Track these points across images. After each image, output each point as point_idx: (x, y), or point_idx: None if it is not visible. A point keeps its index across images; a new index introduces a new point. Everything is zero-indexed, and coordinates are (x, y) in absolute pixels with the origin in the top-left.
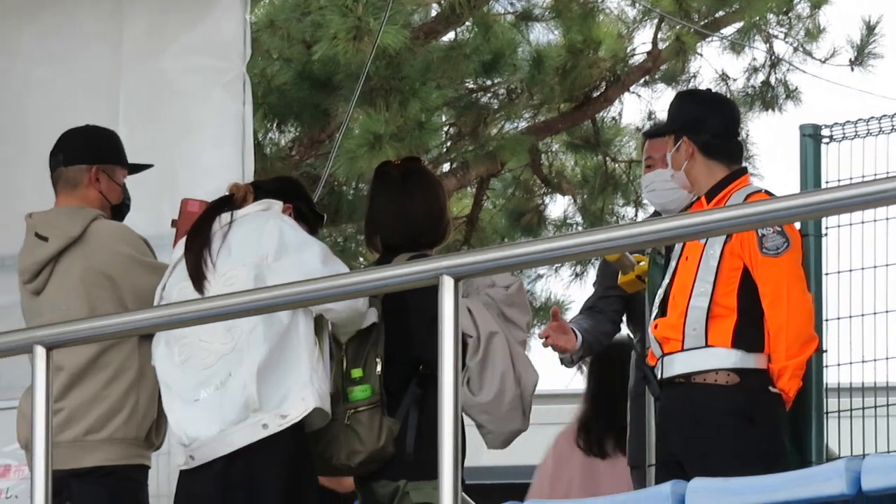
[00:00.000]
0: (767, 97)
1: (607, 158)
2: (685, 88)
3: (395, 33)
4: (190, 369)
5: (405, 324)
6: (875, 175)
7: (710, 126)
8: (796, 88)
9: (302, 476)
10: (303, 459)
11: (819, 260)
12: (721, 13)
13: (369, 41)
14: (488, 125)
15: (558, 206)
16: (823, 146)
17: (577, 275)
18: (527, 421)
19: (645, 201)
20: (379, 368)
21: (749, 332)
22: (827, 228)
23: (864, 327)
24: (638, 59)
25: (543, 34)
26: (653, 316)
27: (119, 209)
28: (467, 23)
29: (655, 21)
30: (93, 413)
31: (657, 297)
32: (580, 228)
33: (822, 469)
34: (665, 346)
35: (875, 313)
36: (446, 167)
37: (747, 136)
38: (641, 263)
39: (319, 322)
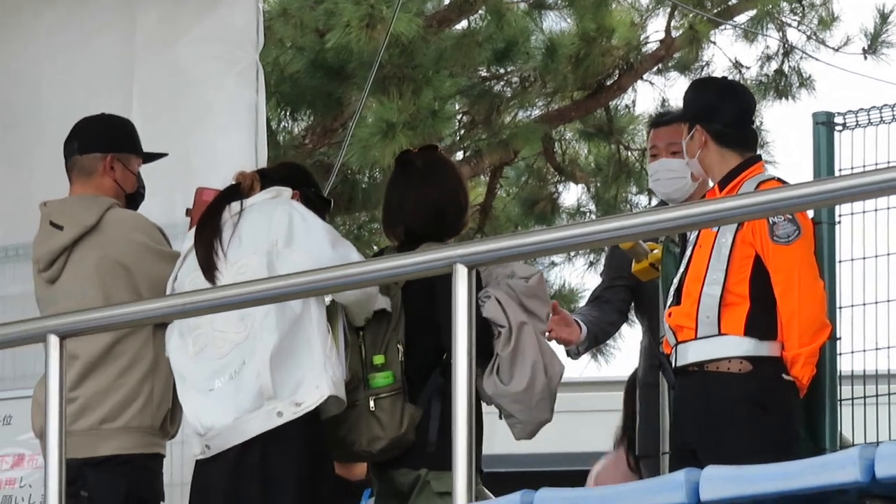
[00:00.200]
0: (781, 85)
1: (620, 146)
2: (699, 77)
3: (408, 21)
4: (204, 359)
5: (431, 312)
6: (888, 163)
7: (723, 114)
8: (810, 76)
9: (316, 464)
10: (317, 447)
11: (832, 248)
12: (734, 1)
13: (382, 29)
14: (501, 113)
15: (572, 195)
16: (836, 134)
17: (591, 263)
18: (553, 412)
19: None
20: (401, 355)
21: (762, 320)
22: (840, 216)
23: (877, 315)
24: (651, 47)
25: (556, 22)
26: (667, 304)
27: (133, 198)
28: (480, 11)
29: (668, 9)
30: (108, 402)
31: (672, 285)
32: (594, 216)
33: (835, 457)
34: (679, 335)
35: (889, 301)
36: (459, 155)
37: (761, 124)
38: (655, 251)
39: (333, 308)
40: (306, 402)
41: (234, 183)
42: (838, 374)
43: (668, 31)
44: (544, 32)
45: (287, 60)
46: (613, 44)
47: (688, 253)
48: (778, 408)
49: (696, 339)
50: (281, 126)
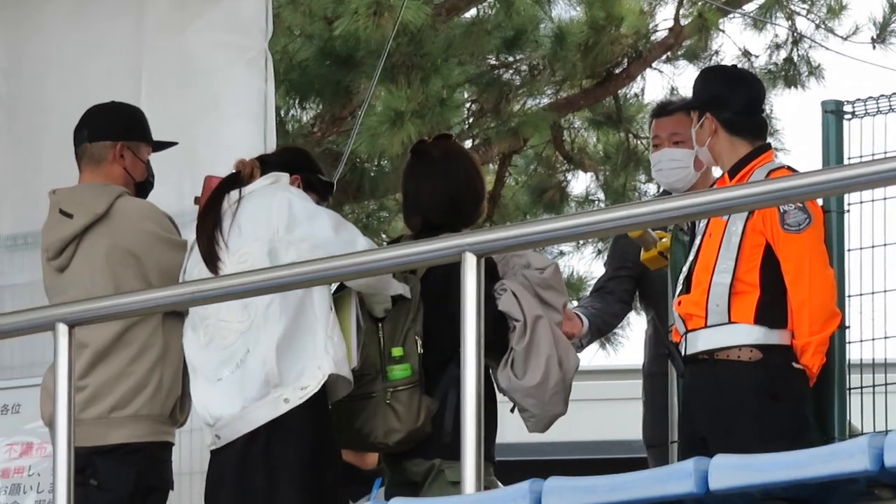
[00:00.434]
0: (790, 74)
1: (629, 135)
2: (708, 65)
3: (417, 9)
4: (213, 349)
5: (447, 305)
6: None
7: (733, 102)
8: (818, 65)
9: (321, 450)
10: (322, 433)
11: (841, 236)
12: None
13: (390, 17)
14: (510, 102)
15: (580, 183)
16: (845, 122)
17: (599, 252)
18: (567, 405)
19: None
20: (419, 348)
21: (772, 309)
22: (849, 204)
23: (886, 303)
24: (660, 35)
25: (565, 10)
26: (677, 293)
27: (143, 186)
28: None
29: None
30: (118, 390)
31: (681, 273)
32: (602, 205)
33: (844, 445)
34: (689, 323)
35: None
36: (468, 144)
37: (770, 112)
38: (664, 240)
39: (347, 295)
40: (311, 385)
41: (233, 171)
42: (847, 362)
43: (676, 19)
44: (553, 21)
45: (296, 48)
46: (622, 32)
47: (697, 241)
48: (788, 396)
49: (705, 327)
50: (290, 114)
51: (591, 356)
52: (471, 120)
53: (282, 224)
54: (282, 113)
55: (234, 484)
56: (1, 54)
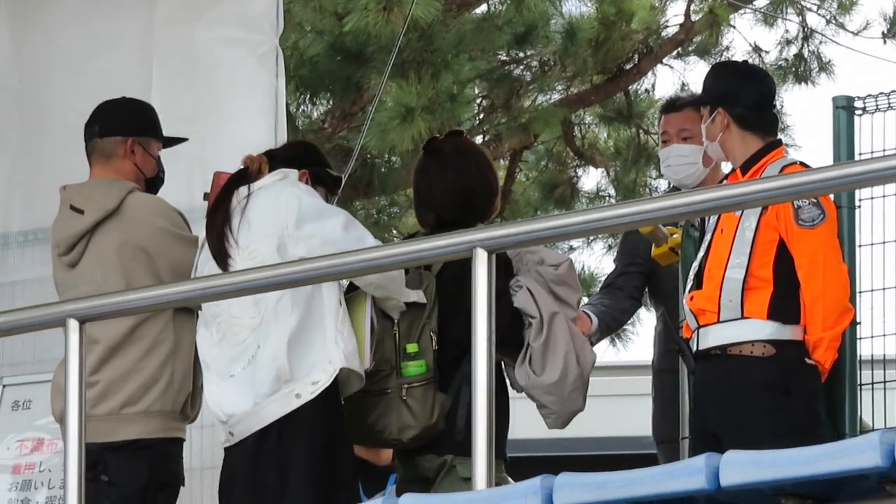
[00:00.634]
0: (800, 69)
1: (640, 130)
2: (719, 60)
3: (427, 5)
4: (225, 346)
5: (462, 301)
6: None
7: (745, 97)
8: (829, 61)
9: (333, 445)
10: (334, 428)
11: (852, 232)
12: None
13: (400, 12)
14: (521, 97)
15: (591, 179)
16: (856, 118)
17: (609, 247)
18: (585, 401)
19: None
20: (434, 344)
21: (785, 304)
22: (860, 200)
23: None
24: (671, 31)
25: (576, 6)
26: (688, 288)
27: (153, 182)
28: None
29: None
30: (129, 386)
31: (692, 269)
32: (613, 201)
33: (855, 441)
34: (700, 319)
35: None
36: (479, 140)
37: (781, 108)
38: (675, 236)
39: (360, 294)
40: (322, 380)
41: (241, 167)
42: (858, 358)
43: (687, 14)
44: (564, 16)
45: (306, 44)
46: (633, 28)
47: (708, 237)
48: (801, 392)
49: (718, 322)
50: (300, 110)
51: (601, 353)
52: (481, 116)
53: (291, 220)
54: (292, 109)
55: (247, 480)
56: (11, 50)
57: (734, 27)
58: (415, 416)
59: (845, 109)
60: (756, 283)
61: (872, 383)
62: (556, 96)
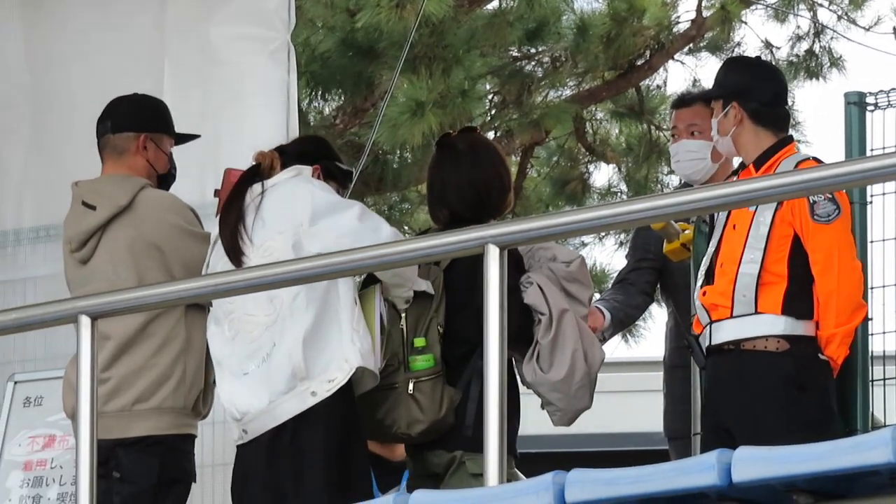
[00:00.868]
0: (812, 65)
1: (652, 126)
2: (731, 56)
3: (439, 1)
4: (238, 344)
5: (471, 297)
6: None
7: (759, 93)
8: (840, 56)
9: (348, 442)
10: (351, 426)
11: (864, 228)
12: None
13: (412, 9)
14: (532, 93)
15: (602, 175)
16: (868, 114)
17: (621, 244)
18: (592, 399)
19: None
20: (441, 338)
21: (799, 299)
22: (871, 196)
23: None
24: (682, 27)
25: (588, 2)
26: (699, 284)
27: (165, 178)
28: None
29: None
30: (141, 382)
31: (702, 265)
32: (624, 197)
33: (867, 437)
34: (713, 314)
35: None
36: (490, 136)
37: (792, 104)
38: (686, 232)
39: (371, 291)
40: (338, 378)
41: (254, 164)
42: (870, 354)
43: (699, 10)
44: (575, 12)
45: (318, 40)
46: (644, 24)
47: (718, 232)
48: (815, 387)
49: (731, 317)
50: (311, 106)
51: (613, 348)
52: (493, 112)
53: (305, 217)
54: (303, 105)
55: (262, 478)
56: (23, 47)
57: (745, 23)
58: (423, 411)
59: (857, 105)
60: (770, 279)
61: (885, 379)
62: (567, 92)
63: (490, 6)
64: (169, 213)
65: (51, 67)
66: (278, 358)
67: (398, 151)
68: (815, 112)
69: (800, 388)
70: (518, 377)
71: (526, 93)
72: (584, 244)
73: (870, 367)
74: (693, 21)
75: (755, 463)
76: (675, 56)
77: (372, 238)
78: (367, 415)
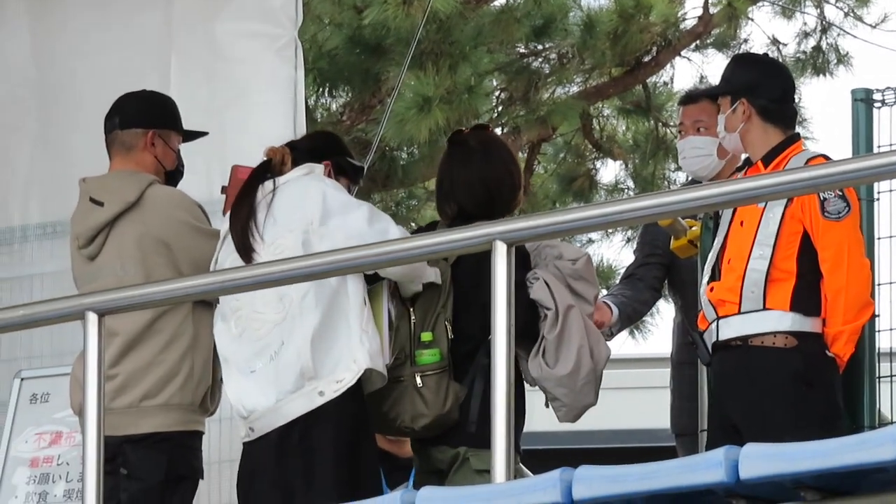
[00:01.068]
0: (818, 62)
1: (658, 123)
2: (738, 52)
3: None
4: (245, 341)
5: (478, 293)
6: None
7: (769, 89)
8: (847, 53)
9: (358, 440)
10: (359, 423)
11: (871, 224)
12: None
13: (419, 5)
14: (539, 90)
15: (609, 171)
16: (875, 111)
17: (628, 240)
18: (598, 396)
19: None
20: (449, 333)
21: (807, 296)
22: (879, 193)
23: None
24: (689, 23)
25: None
26: (705, 280)
27: (172, 175)
28: None
29: None
30: (149, 378)
31: (708, 261)
32: (632, 193)
33: (874, 434)
34: (720, 309)
35: None
36: (497, 132)
37: (799, 100)
38: (694, 228)
39: (378, 287)
40: (346, 379)
41: (265, 159)
42: (877, 351)
43: (706, 7)
44: (582, 9)
45: (325, 37)
46: (651, 20)
47: (723, 229)
48: (823, 383)
49: (739, 313)
50: (319, 103)
51: (620, 344)
52: (500, 108)
53: (316, 216)
54: (310, 101)
55: (270, 475)
56: (30, 44)
57: (752, 20)
58: (427, 405)
59: (864, 102)
60: (779, 275)
61: (892, 376)
62: (574, 89)
63: (497, 3)
64: (177, 210)
65: (57, 64)
66: (287, 357)
67: (405, 148)
68: (822, 109)
69: (808, 384)
70: (523, 375)
71: (533, 89)
72: (591, 241)
73: (877, 364)
74: (700, 18)
75: (762, 459)
76: (682, 53)
77: (380, 241)
78: (373, 407)
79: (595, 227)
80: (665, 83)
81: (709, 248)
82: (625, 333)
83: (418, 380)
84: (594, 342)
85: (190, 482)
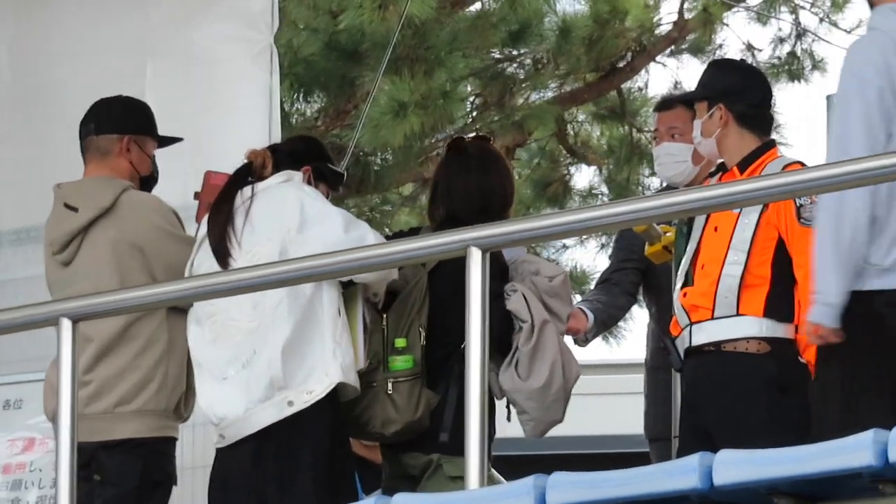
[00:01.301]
0: (793, 68)
1: (633, 129)
2: (715, 58)
3: (421, 2)
4: (219, 347)
5: (455, 301)
6: None
7: (747, 95)
8: (822, 59)
9: (335, 447)
10: (336, 432)
11: None
12: None
13: (395, 10)
14: (514, 95)
15: (584, 177)
16: None
17: (603, 246)
18: (565, 413)
19: None
20: (422, 340)
21: (781, 302)
22: None
23: None
24: (664, 29)
25: (570, 4)
26: (678, 285)
27: (147, 181)
28: None
29: None
30: (123, 385)
31: (682, 267)
32: (606, 199)
33: (849, 441)
34: (693, 315)
35: None
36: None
37: (774, 106)
38: (668, 234)
39: (353, 292)
40: (317, 390)
41: (246, 162)
42: None
43: (681, 13)
44: (558, 14)
45: (301, 42)
46: (627, 26)
47: (696, 234)
48: (796, 389)
49: (712, 318)
50: (294, 108)
51: (594, 350)
52: (475, 113)
53: (294, 225)
54: (286, 107)
55: (245, 482)
56: (7, 48)
57: (727, 25)
58: (398, 411)
59: None
60: (753, 281)
61: None
62: (549, 94)
63: (473, 8)
64: (152, 215)
65: (33, 68)
66: (258, 365)
67: (379, 153)
68: (797, 114)
69: (781, 390)
70: (491, 388)
71: (508, 94)
72: (565, 247)
73: None
74: (675, 23)
75: (737, 466)
76: (657, 58)
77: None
78: (344, 411)
79: (570, 233)
80: (640, 88)
81: (683, 253)
82: (598, 339)
83: (390, 386)
84: (567, 359)
85: (164, 488)
